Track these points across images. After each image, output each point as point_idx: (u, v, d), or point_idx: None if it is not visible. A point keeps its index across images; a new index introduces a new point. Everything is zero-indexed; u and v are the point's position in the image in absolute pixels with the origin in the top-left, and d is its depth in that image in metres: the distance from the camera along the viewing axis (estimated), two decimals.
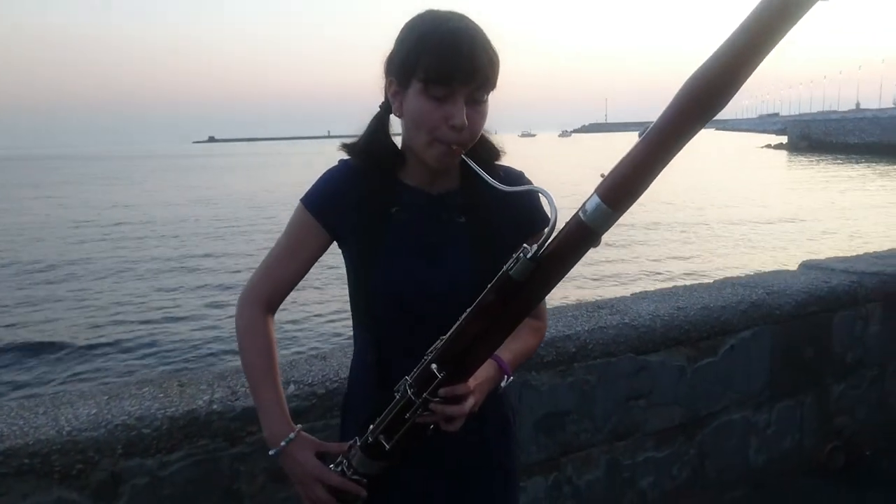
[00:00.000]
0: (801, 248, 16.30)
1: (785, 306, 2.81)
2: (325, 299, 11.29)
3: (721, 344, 2.65)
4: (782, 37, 0.79)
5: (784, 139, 74.61)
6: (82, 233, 23.07)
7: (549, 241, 0.99)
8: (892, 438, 3.23)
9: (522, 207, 1.31)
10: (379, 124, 1.29)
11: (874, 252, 3.67)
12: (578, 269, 1.04)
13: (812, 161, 50.24)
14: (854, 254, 3.73)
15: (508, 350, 1.25)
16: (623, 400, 2.43)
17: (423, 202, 1.28)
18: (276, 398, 1.30)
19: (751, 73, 0.82)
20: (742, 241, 18.12)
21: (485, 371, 1.18)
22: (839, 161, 48.33)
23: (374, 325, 1.29)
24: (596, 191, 0.95)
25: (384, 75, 1.25)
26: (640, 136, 0.93)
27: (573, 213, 0.98)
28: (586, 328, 2.34)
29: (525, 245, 1.00)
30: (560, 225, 1.00)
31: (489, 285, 1.04)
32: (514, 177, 1.33)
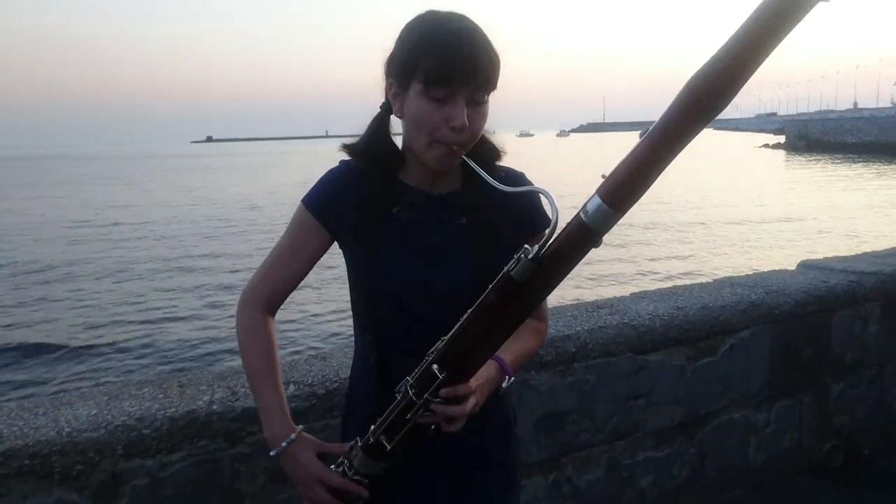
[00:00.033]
0: (798, 247, 16.32)
1: (784, 306, 2.82)
2: (323, 299, 11.29)
3: (720, 343, 2.65)
4: (784, 37, 0.79)
5: (782, 139, 74.64)
6: (80, 233, 23.05)
7: (551, 241, 1.00)
8: (891, 438, 3.24)
9: (523, 208, 1.31)
10: (379, 125, 1.29)
11: (873, 252, 3.68)
12: (577, 268, 1.04)
13: (810, 161, 50.27)
14: (851, 253, 3.73)
15: (509, 351, 1.25)
16: (623, 400, 2.43)
17: (424, 203, 1.28)
18: (277, 399, 1.31)
19: (752, 73, 0.82)
20: (740, 240, 18.14)
21: (486, 372, 1.18)
22: (837, 161, 48.37)
23: (374, 325, 1.29)
24: (597, 191, 0.95)
25: (384, 76, 1.25)
26: (640, 136, 0.93)
27: (574, 214, 0.99)
28: (586, 328, 2.35)
29: (526, 246, 1.00)
30: (561, 225, 1.00)
31: (490, 286, 1.04)
32: (515, 178, 1.33)
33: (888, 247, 3.89)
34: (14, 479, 1.50)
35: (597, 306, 2.59)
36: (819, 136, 63.04)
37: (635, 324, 2.44)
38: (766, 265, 12.00)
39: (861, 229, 19.00)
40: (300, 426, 1.30)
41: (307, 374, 1.90)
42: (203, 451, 1.70)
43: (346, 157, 1.32)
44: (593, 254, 1.03)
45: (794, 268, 3.40)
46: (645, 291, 2.88)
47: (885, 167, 41.05)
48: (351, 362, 1.91)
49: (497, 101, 1.23)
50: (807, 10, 0.78)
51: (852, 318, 3.06)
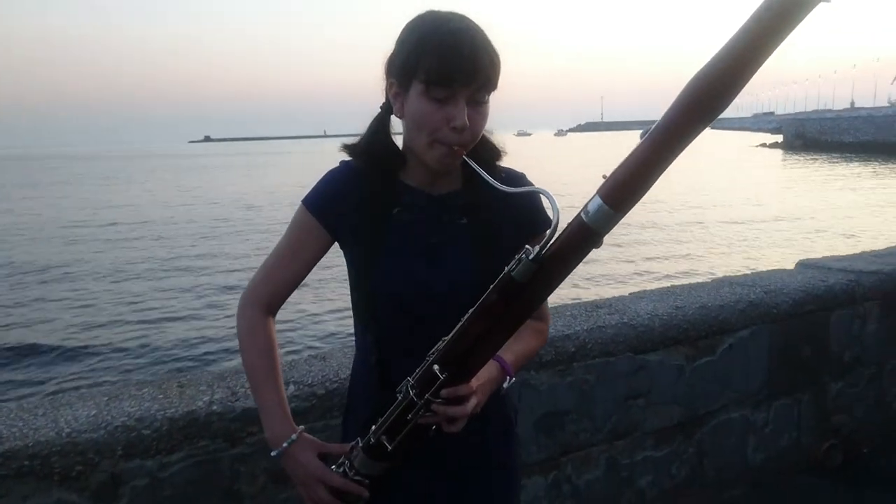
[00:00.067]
0: (795, 247, 16.35)
1: (782, 305, 2.82)
2: (322, 299, 11.29)
3: (719, 343, 2.65)
4: (785, 37, 0.79)
5: (779, 138, 74.73)
6: (78, 233, 23.03)
7: (552, 242, 1.00)
8: (890, 436, 3.25)
9: (524, 209, 1.31)
10: (380, 125, 1.29)
11: (871, 251, 3.68)
12: (575, 268, 1.04)
13: (807, 160, 50.34)
14: (848, 252, 3.74)
15: (510, 351, 1.25)
16: (622, 399, 2.43)
17: (425, 203, 1.28)
18: (277, 399, 1.31)
19: (754, 73, 0.82)
20: (737, 240, 18.16)
21: (487, 372, 1.18)
22: (834, 160, 48.44)
23: (375, 325, 1.29)
24: (598, 192, 0.95)
25: (385, 76, 1.25)
26: (641, 136, 0.93)
27: (574, 214, 0.99)
28: (585, 328, 2.35)
29: (527, 246, 1.00)
30: (562, 226, 1.00)
31: (491, 286, 1.04)
32: (516, 178, 1.33)
33: (886, 246, 3.90)
34: (13, 479, 1.50)
35: (596, 306, 2.59)
36: (816, 136, 63.11)
37: (634, 323, 2.44)
38: (764, 265, 12.01)
39: (858, 229, 19.03)
40: (301, 427, 1.30)
41: (307, 374, 1.90)
42: (203, 452, 1.70)
43: (346, 157, 1.32)
44: (592, 253, 1.03)
45: (792, 267, 3.40)
46: (644, 291, 2.88)
47: (882, 166, 41.12)
48: (350, 362, 1.91)
49: (495, 101, 1.23)
50: (808, 11, 0.78)
51: (851, 317, 3.06)
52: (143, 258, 17.78)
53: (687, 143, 0.89)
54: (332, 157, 1.35)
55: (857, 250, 3.85)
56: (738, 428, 2.78)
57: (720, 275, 3.37)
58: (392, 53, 1.23)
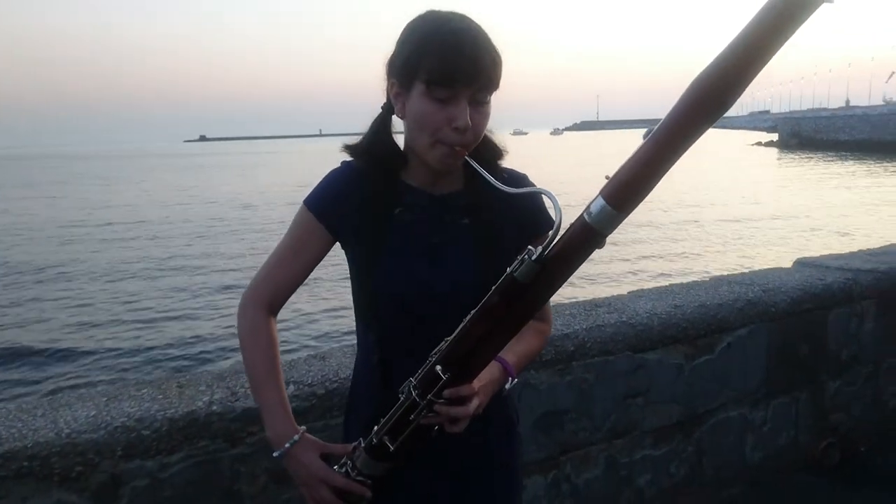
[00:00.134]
0: (791, 245, 16.39)
1: (781, 304, 2.82)
2: (321, 299, 11.29)
3: (718, 342, 2.66)
4: (788, 37, 0.80)
5: (775, 136, 74.90)
6: (74, 233, 22.97)
7: (554, 242, 0.99)
8: (887, 435, 3.26)
9: (525, 209, 1.31)
10: (381, 125, 1.29)
11: (868, 249, 3.69)
12: None
13: (803, 158, 50.47)
14: (843, 251, 3.75)
15: (513, 352, 1.25)
16: (621, 398, 2.44)
17: (426, 203, 1.28)
18: (279, 399, 1.30)
19: (757, 73, 0.82)
20: (733, 238, 18.20)
21: (489, 373, 1.18)
22: (829, 158, 48.56)
23: (377, 325, 1.29)
24: (600, 192, 0.95)
25: (386, 76, 1.25)
26: (644, 137, 0.93)
27: (574, 214, 0.99)
28: (584, 327, 2.35)
29: (530, 247, 1.00)
30: (564, 227, 1.00)
31: (494, 287, 1.04)
32: (518, 179, 1.33)
33: (881, 244, 3.91)
34: (13, 480, 1.50)
35: (595, 305, 2.59)
36: (812, 134, 63.26)
37: (633, 322, 2.44)
38: (759, 263, 12.04)
39: (853, 227, 19.08)
40: (303, 427, 1.30)
41: (307, 374, 1.89)
42: (203, 452, 1.70)
43: (347, 157, 1.32)
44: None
45: (788, 266, 3.41)
46: (642, 290, 2.88)
47: (878, 165, 41.23)
48: (350, 362, 1.91)
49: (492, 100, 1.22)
50: (811, 11, 0.78)
51: (848, 315, 3.07)
52: (140, 258, 17.74)
53: (690, 143, 0.89)
54: (327, 156, 1.35)
55: (852, 249, 3.86)
56: (737, 427, 2.78)
57: (716, 273, 3.38)
58: (393, 54, 1.23)
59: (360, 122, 1.31)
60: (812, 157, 50.21)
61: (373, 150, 1.28)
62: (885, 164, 41.66)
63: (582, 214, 0.97)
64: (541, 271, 1.00)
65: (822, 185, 30.72)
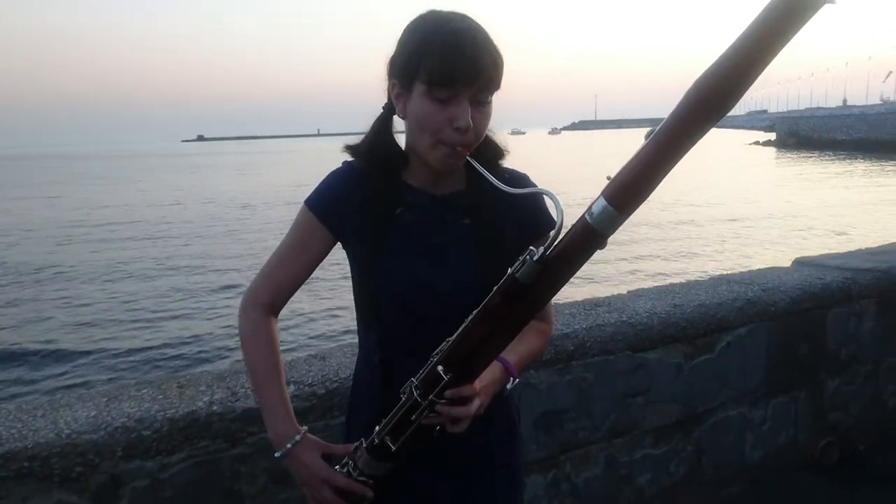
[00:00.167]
0: (789, 245, 16.40)
1: (780, 303, 2.83)
2: (322, 299, 11.28)
3: (717, 341, 2.66)
4: (791, 38, 0.80)
5: (772, 136, 74.96)
6: (72, 233, 22.93)
7: (556, 243, 0.99)
8: (886, 434, 3.26)
9: (527, 210, 1.31)
10: (382, 125, 1.29)
11: (867, 248, 3.70)
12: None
13: (800, 158, 50.52)
14: (841, 250, 3.76)
15: (514, 352, 1.25)
16: (621, 397, 2.44)
17: (428, 203, 1.28)
18: (280, 400, 1.30)
19: (759, 73, 0.82)
20: (731, 238, 18.21)
21: (490, 373, 1.18)
22: (827, 157, 48.62)
23: (378, 325, 1.29)
24: (602, 193, 0.95)
25: (387, 76, 1.25)
26: (646, 137, 0.93)
27: (575, 214, 0.98)
28: (584, 326, 2.35)
29: (531, 248, 1.00)
30: (566, 227, 1.00)
31: (495, 288, 1.04)
32: (520, 179, 1.33)
33: (879, 243, 3.91)
34: (13, 481, 1.50)
35: (595, 304, 2.59)
36: (809, 133, 63.32)
37: (633, 322, 2.45)
38: (757, 262, 12.06)
39: (851, 226, 19.10)
40: (305, 427, 1.30)
41: (307, 374, 1.89)
42: (203, 452, 1.70)
43: (347, 157, 1.32)
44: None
45: (786, 265, 3.41)
46: (642, 289, 2.88)
47: (875, 164, 41.28)
48: (350, 362, 1.91)
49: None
50: (814, 11, 0.78)
51: (847, 314, 3.07)
52: (139, 258, 17.72)
53: (692, 143, 0.89)
54: (325, 155, 1.35)
55: (850, 248, 3.87)
56: (736, 426, 2.79)
57: (714, 273, 3.38)
58: (394, 54, 1.23)
59: (359, 122, 1.32)
60: (810, 157, 50.27)
61: (374, 150, 1.28)
62: (883, 163, 41.71)
63: (583, 215, 0.97)
64: (542, 272, 1.00)
65: (820, 185, 30.75)
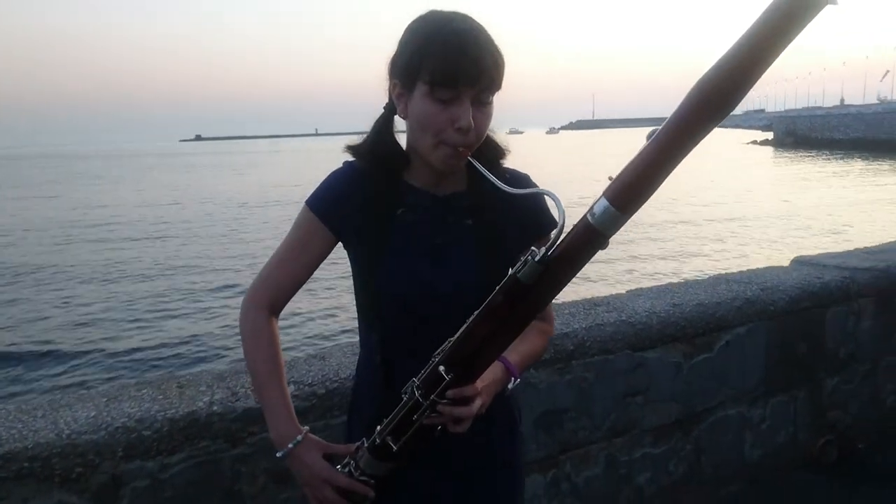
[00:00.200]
0: (787, 244, 16.43)
1: (779, 302, 2.83)
2: (322, 299, 11.26)
3: (716, 340, 2.66)
4: (793, 38, 0.80)
5: (770, 135, 75.08)
6: (71, 233, 22.90)
7: (557, 243, 0.99)
8: (885, 432, 3.27)
9: (528, 210, 1.31)
10: (384, 126, 1.29)
11: (865, 247, 3.70)
12: None
13: (798, 157, 50.58)
14: (840, 249, 3.76)
15: (516, 352, 1.25)
16: (620, 397, 2.44)
17: (429, 203, 1.28)
18: (282, 400, 1.30)
19: (762, 74, 0.82)
20: (729, 237, 18.23)
21: (492, 373, 1.18)
22: (824, 156, 48.68)
23: (379, 324, 1.29)
24: (604, 193, 0.95)
25: (388, 77, 1.25)
26: (648, 138, 0.93)
27: (576, 215, 0.98)
28: (584, 325, 2.35)
29: (533, 248, 1.00)
30: (567, 227, 1.00)
31: (497, 288, 1.04)
32: (521, 179, 1.33)
33: (877, 242, 3.92)
34: (13, 482, 1.49)
35: (594, 304, 2.59)
36: (807, 133, 63.39)
37: (633, 321, 2.45)
38: (757, 262, 12.07)
39: (849, 225, 19.13)
40: (306, 427, 1.30)
41: (307, 373, 1.89)
42: (203, 453, 1.69)
43: (347, 157, 1.32)
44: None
45: (785, 264, 3.42)
46: (641, 289, 2.89)
47: (873, 164, 41.33)
48: (350, 362, 1.91)
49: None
50: (816, 12, 0.78)
51: (846, 313, 3.08)
52: (136, 258, 17.70)
53: (694, 143, 0.89)
54: (323, 155, 1.35)
55: (847, 247, 3.87)
56: (735, 425, 2.79)
57: (714, 272, 3.38)
58: (395, 54, 1.22)
59: (356, 122, 1.32)
60: (807, 156, 50.33)
61: (375, 150, 1.28)
62: (880, 162, 41.77)
63: (585, 215, 0.97)
64: (544, 272, 1.00)
65: (817, 184, 30.79)
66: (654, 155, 0.91)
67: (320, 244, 1.30)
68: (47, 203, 34.65)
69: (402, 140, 1.30)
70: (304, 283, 1.34)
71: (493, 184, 1.14)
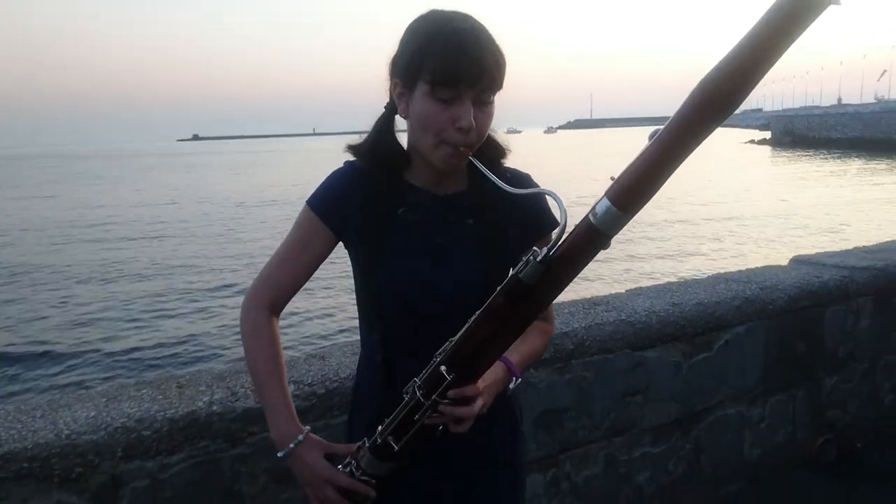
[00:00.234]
0: (785, 243, 16.45)
1: (778, 301, 2.83)
2: (322, 298, 11.26)
3: (716, 339, 2.66)
4: (796, 39, 0.80)
5: (767, 134, 75.20)
6: (68, 233, 22.87)
7: (559, 243, 0.99)
8: (883, 432, 3.27)
9: (529, 210, 1.31)
10: (384, 125, 1.28)
11: (864, 246, 3.71)
12: None
13: (795, 156, 50.66)
14: (837, 248, 3.77)
15: (517, 352, 1.25)
16: (620, 396, 2.44)
17: (430, 203, 1.28)
18: (283, 400, 1.30)
19: (764, 74, 0.82)
20: (728, 236, 18.25)
21: (493, 373, 1.18)
22: (822, 156, 48.76)
23: (380, 324, 1.29)
24: (606, 193, 0.95)
25: (389, 76, 1.24)
26: (650, 138, 0.93)
27: (576, 214, 0.98)
28: (583, 325, 2.35)
29: (535, 248, 1.00)
30: (569, 228, 1.00)
31: (499, 288, 1.04)
32: (522, 179, 1.33)
33: (875, 241, 3.92)
34: (13, 482, 1.49)
35: (594, 303, 2.59)
36: (804, 132, 63.49)
37: (632, 320, 2.45)
38: (756, 261, 12.08)
39: (847, 224, 19.15)
40: (307, 427, 1.30)
41: (307, 373, 1.89)
42: (203, 452, 1.69)
43: (348, 156, 1.32)
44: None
45: (785, 263, 3.42)
46: (641, 288, 2.89)
47: (870, 163, 41.39)
48: (350, 361, 1.91)
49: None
50: (820, 12, 0.78)
51: (845, 312, 3.08)
52: (134, 257, 17.68)
53: (696, 143, 0.89)
54: (321, 154, 1.35)
55: (845, 246, 3.87)
56: (735, 424, 2.79)
57: (713, 271, 3.39)
58: (395, 54, 1.22)
59: (354, 121, 1.32)
60: (805, 155, 50.41)
61: (376, 149, 1.28)
62: (878, 161, 41.83)
63: (587, 215, 0.97)
64: (546, 272, 1.00)
65: (815, 183, 30.84)
66: (656, 155, 0.91)
67: (321, 244, 1.30)
68: (45, 203, 34.61)
69: (403, 139, 1.30)
70: (305, 282, 1.34)
71: (494, 183, 1.14)
